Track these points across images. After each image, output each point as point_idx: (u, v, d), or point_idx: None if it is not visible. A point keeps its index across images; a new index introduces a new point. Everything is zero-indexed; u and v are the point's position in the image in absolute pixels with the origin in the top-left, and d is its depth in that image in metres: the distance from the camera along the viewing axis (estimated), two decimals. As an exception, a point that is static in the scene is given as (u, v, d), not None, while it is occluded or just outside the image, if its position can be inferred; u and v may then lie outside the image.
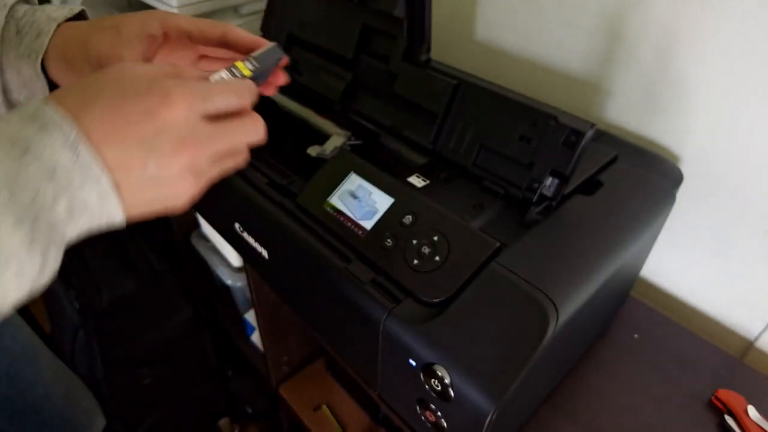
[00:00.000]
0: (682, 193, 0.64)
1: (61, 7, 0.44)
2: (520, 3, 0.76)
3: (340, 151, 0.60)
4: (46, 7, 0.44)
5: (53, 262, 0.29)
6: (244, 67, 0.40)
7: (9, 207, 0.26)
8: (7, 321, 0.78)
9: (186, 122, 0.31)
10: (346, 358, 0.60)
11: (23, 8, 0.43)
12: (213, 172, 0.36)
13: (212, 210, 0.75)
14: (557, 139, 0.50)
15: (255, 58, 0.41)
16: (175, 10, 0.79)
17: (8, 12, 0.42)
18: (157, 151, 0.31)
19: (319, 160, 0.63)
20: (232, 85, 0.36)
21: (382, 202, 0.52)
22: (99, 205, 0.30)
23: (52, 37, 0.42)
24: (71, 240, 0.30)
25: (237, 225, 0.66)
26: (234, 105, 0.35)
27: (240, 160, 0.38)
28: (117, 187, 0.30)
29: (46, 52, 0.42)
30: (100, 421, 1.00)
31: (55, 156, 0.28)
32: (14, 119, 0.28)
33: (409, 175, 0.58)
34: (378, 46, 0.65)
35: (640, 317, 0.69)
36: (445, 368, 0.42)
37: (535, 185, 0.52)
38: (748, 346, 0.69)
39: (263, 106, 0.72)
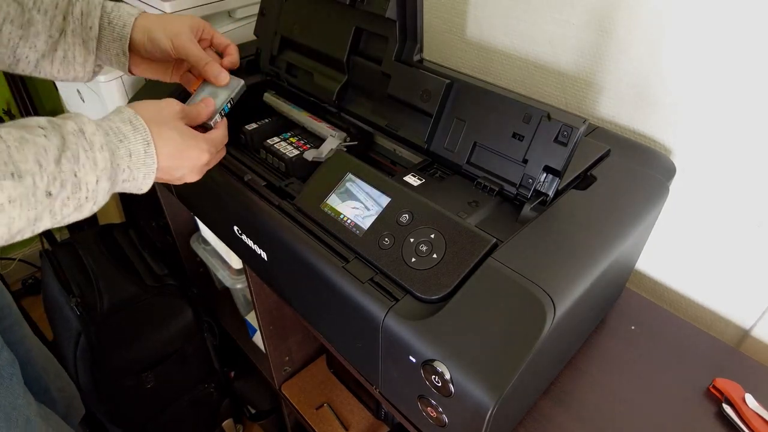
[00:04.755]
0: (676, 186, 0.64)
1: (134, 7, 0.63)
2: (510, 1, 0.76)
3: (336, 152, 0.61)
4: (124, 5, 0.62)
5: (108, 195, 0.47)
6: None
7: (109, 170, 0.45)
8: None
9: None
10: (347, 357, 0.60)
11: (110, 4, 0.62)
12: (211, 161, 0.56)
13: (211, 213, 0.76)
14: (550, 136, 0.51)
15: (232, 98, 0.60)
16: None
17: (101, 7, 0.61)
18: (184, 135, 0.52)
19: (317, 163, 0.63)
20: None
21: (378, 201, 0.53)
22: (142, 180, 0.49)
23: (133, 26, 0.61)
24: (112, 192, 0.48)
25: (236, 228, 0.66)
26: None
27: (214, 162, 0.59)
28: (158, 169, 0.50)
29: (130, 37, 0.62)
30: (78, 406, 1.01)
31: (137, 146, 0.47)
32: (117, 119, 0.48)
33: (405, 175, 0.59)
34: (371, 47, 0.65)
35: (636, 309, 0.69)
36: (444, 364, 0.42)
37: (529, 181, 0.53)
38: (743, 335, 0.70)
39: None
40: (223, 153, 0.59)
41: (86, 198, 0.44)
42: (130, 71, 0.65)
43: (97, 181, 0.44)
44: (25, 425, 0.70)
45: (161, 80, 0.68)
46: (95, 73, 0.65)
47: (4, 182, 0.37)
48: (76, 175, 0.42)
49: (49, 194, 0.40)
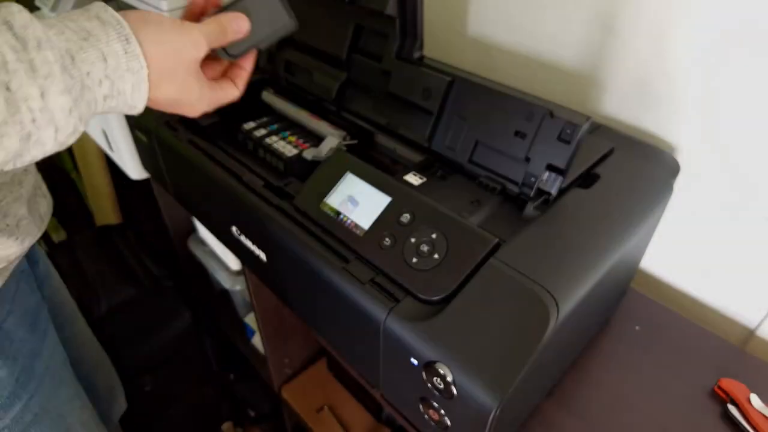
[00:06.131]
0: (680, 184, 0.64)
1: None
2: (511, -2, 0.76)
3: (336, 151, 0.60)
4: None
5: (82, 129, 0.35)
6: None
7: (61, 77, 0.31)
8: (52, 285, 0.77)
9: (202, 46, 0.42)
10: (348, 359, 0.60)
11: None
12: (215, 95, 0.45)
13: (209, 214, 0.75)
14: (553, 133, 0.50)
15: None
16: (166, 13, 0.78)
17: None
18: (183, 53, 0.40)
19: (316, 162, 0.63)
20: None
21: (379, 201, 0.52)
22: (131, 94, 0.37)
23: None
24: (97, 114, 0.37)
25: (234, 228, 0.65)
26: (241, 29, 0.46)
27: (230, 98, 0.48)
28: (150, 80, 0.37)
29: None
30: (121, 402, 0.99)
31: (110, 45, 0.34)
32: (79, 16, 0.35)
33: (406, 174, 0.58)
34: (371, 44, 0.65)
35: (640, 309, 0.69)
36: (446, 366, 0.41)
37: (532, 180, 0.52)
38: (748, 334, 0.69)
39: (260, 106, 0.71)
40: (236, 94, 0.49)
41: (33, 121, 0.30)
42: None
43: (42, 94, 0.30)
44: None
45: None
46: None
47: None
48: (8, 88, 0.29)
49: None
